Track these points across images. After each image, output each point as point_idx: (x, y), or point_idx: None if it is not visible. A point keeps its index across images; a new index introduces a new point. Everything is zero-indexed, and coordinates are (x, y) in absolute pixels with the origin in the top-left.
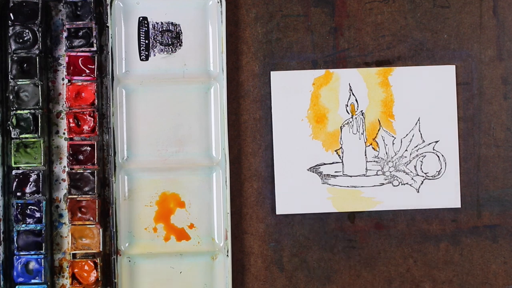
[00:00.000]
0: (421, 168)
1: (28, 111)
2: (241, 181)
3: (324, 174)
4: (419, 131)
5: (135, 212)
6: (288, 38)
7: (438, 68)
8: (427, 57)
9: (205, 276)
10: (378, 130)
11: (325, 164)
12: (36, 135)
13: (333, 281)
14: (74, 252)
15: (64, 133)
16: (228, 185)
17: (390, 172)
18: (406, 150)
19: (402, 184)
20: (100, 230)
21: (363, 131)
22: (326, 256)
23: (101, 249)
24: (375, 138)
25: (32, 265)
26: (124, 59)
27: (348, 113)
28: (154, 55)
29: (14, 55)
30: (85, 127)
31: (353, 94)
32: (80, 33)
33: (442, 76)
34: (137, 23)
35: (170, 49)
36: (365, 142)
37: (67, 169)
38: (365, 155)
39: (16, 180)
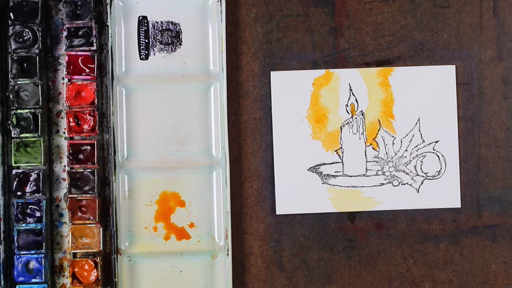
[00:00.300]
0: (421, 168)
1: (28, 110)
2: (241, 181)
3: (324, 174)
4: (419, 131)
5: (135, 211)
6: (288, 38)
7: (438, 68)
8: (427, 57)
9: (205, 275)
10: (378, 130)
11: (325, 164)
12: (36, 134)
13: (333, 281)
14: (74, 251)
15: (64, 133)
16: (228, 184)
17: (390, 172)
18: (406, 150)
19: (402, 184)
20: (101, 229)
21: (363, 131)
22: (326, 256)
23: (101, 248)
24: (375, 138)
25: (33, 264)
26: (124, 58)
27: (348, 113)
28: (154, 54)
29: (14, 55)
30: (85, 126)
31: (353, 94)
32: (80, 33)
33: (442, 76)
34: (137, 22)
35: (170, 48)
36: (365, 142)
37: (67, 168)
38: (365, 155)
39: (17, 179)
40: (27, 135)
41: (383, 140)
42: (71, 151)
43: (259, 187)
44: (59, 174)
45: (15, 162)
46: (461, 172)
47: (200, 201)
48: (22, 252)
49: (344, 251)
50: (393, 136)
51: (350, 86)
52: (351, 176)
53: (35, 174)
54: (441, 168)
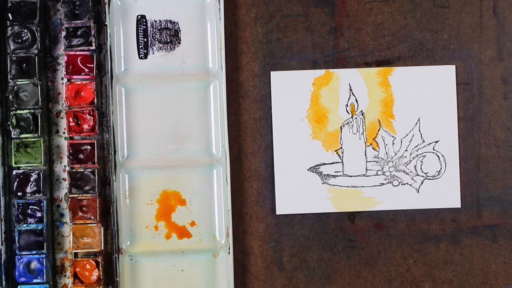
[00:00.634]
0: (421, 168)
1: (28, 111)
2: (241, 181)
3: (324, 174)
4: (419, 131)
5: (136, 210)
6: (288, 38)
7: (438, 68)
8: (427, 57)
9: (207, 274)
10: (378, 130)
11: (325, 164)
12: (36, 134)
13: (333, 281)
14: (75, 251)
15: (64, 133)
16: (229, 182)
17: (390, 172)
18: (406, 150)
19: (402, 184)
20: (101, 229)
21: (363, 131)
22: (326, 256)
23: (102, 248)
24: (375, 138)
25: (34, 264)
26: (123, 57)
27: (348, 113)
28: (153, 53)
29: (13, 55)
30: (85, 126)
31: (353, 94)
32: (79, 32)
33: (442, 76)
34: (135, 21)
35: (168, 47)
36: (365, 142)
37: (67, 168)
38: (365, 155)
39: (17, 180)
40: (27, 135)
41: (383, 140)
42: (71, 151)
43: (259, 187)
44: (59, 174)
45: (15, 163)
46: (461, 172)
47: (200, 199)
48: (23, 253)
49: (344, 251)
50: (393, 136)
51: (350, 86)
52: (351, 176)
53: (36, 175)
54: (441, 168)
